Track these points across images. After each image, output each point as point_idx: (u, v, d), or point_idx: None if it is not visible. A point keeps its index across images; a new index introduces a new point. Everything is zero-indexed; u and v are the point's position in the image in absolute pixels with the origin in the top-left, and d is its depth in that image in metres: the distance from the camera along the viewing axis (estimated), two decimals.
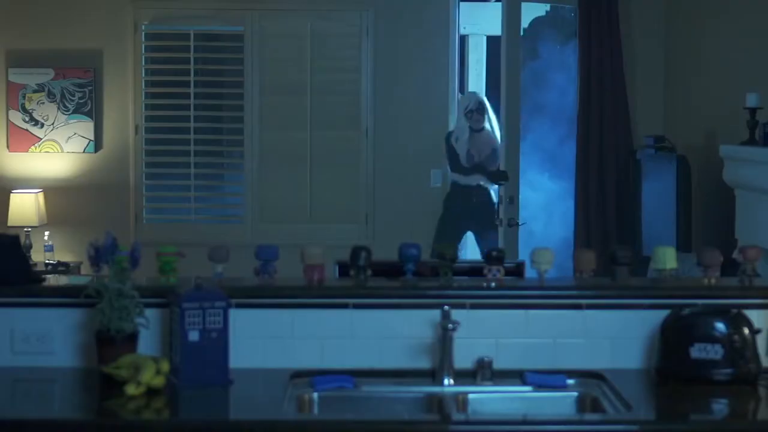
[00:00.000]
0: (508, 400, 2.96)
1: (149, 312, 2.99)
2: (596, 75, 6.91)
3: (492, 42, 8.08)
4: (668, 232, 5.97)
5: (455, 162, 6.96)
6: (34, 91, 7.06)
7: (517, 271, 3.49)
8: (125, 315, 2.92)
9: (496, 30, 7.92)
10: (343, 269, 3.40)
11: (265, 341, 3.08)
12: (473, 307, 3.10)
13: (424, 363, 3.08)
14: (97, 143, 7.12)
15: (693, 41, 6.63)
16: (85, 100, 7.07)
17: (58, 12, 7.09)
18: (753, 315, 3.01)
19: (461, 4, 7.25)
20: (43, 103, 7.06)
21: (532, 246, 3.29)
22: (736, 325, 2.92)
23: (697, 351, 2.91)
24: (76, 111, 7.07)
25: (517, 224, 6.36)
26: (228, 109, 7.32)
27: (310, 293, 3.11)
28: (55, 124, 7.06)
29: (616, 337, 3.11)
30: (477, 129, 6.88)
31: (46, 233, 6.87)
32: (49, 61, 7.05)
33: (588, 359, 3.09)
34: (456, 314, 2.99)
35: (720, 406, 2.83)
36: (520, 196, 6.54)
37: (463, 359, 3.02)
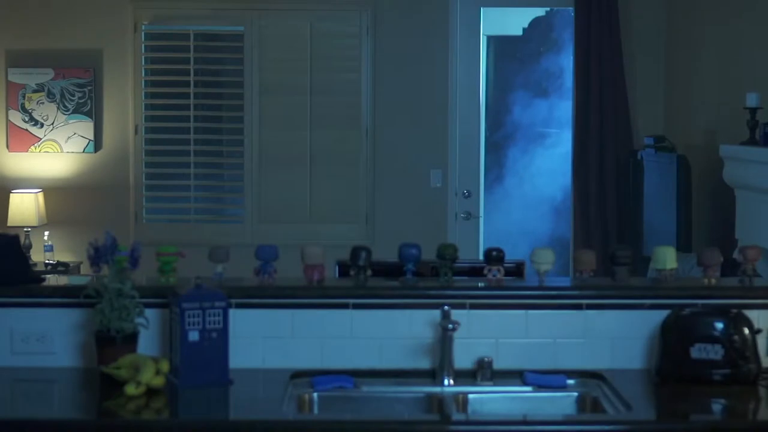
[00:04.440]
0: (508, 400, 2.96)
1: (149, 312, 2.99)
2: (596, 75, 6.91)
3: (492, 42, 8.07)
4: (668, 232, 5.97)
5: None
6: (34, 91, 7.06)
7: (517, 271, 3.49)
8: (125, 315, 2.92)
9: (496, 30, 7.93)
10: (343, 269, 3.40)
11: (265, 341, 3.08)
12: (473, 307, 3.10)
13: (424, 363, 3.08)
14: (97, 143, 7.12)
15: (693, 41, 6.63)
16: (84, 100, 7.07)
17: (58, 12, 7.09)
18: (753, 315, 3.01)
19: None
20: (43, 103, 7.06)
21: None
22: (736, 325, 2.92)
23: (697, 351, 2.91)
24: (76, 111, 7.07)
25: (471, 216, 6.95)
26: (228, 109, 7.31)
27: (310, 293, 3.11)
28: (54, 124, 7.06)
29: (616, 337, 3.11)
30: None
31: (46, 233, 6.87)
32: (49, 61, 7.05)
33: (588, 359, 3.09)
34: (456, 314, 2.99)
35: (720, 406, 2.83)
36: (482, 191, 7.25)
37: (463, 359, 3.02)
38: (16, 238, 3.20)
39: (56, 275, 5.82)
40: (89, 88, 7.06)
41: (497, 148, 8.11)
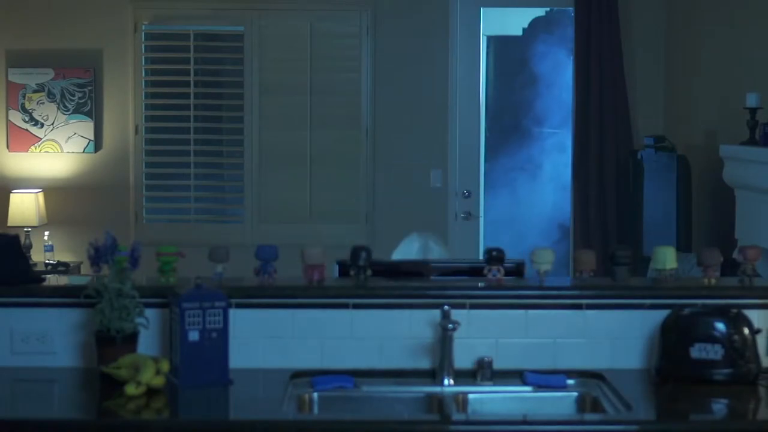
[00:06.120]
0: (508, 400, 2.96)
1: (149, 312, 2.99)
2: (596, 75, 6.91)
3: (492, 42, 8.08)
4: (668, 232, 5.97)
5: None
6: (34, 91, 7.06)
7: (517, 271, 3.48)
8: (125, 315, 2.92)
9: (496, 30, 7.93)
10: (343, 269, 3.40)
11: (265, 341, 3.08)
12: (473, 307, 3.10)
13: (424, 363, 3.08)
14: (97, 143, 7.12)
15: (693, 41, 6.63)
16: (85, 100, 7.07)
17: (58, 12, 7.09)
18: (753, 315, 3.01)
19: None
20: (43, 103, 7.06)
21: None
22: (736, 325, 2.92)
23: (697, 351, 2.91)
24: (76, 111, 7.07)
25: (471, 216, 7.00)
26: (228, 109, 7.31)
27: (310, 293, 3.11)
28: (55, 124, 7.06)
29: (616, 337, 3.11)
30: None
31: (46, 233, 6.87)
32: (49, 61, 7.05)
33: (588, 359, 3.09)
34: (456, 314, 2.99)
35: (720, 406, 2.83)
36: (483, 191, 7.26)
37: (463, 359, 3.02)
38: (16, 238, 3.20)
39: (56, 275, 5.82)
40: (89, 88, 7.06)
41: (497, 147, 8.11)
